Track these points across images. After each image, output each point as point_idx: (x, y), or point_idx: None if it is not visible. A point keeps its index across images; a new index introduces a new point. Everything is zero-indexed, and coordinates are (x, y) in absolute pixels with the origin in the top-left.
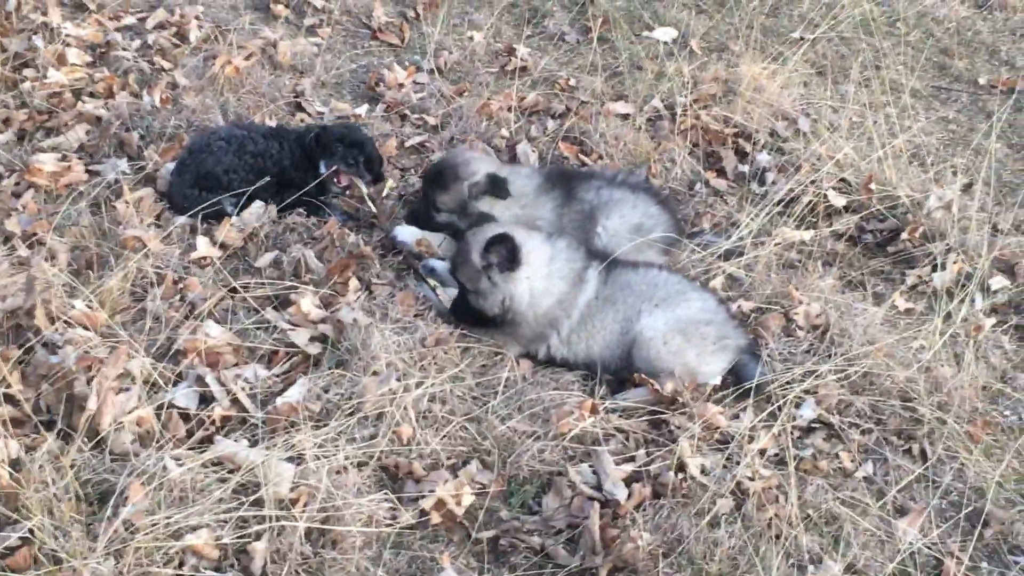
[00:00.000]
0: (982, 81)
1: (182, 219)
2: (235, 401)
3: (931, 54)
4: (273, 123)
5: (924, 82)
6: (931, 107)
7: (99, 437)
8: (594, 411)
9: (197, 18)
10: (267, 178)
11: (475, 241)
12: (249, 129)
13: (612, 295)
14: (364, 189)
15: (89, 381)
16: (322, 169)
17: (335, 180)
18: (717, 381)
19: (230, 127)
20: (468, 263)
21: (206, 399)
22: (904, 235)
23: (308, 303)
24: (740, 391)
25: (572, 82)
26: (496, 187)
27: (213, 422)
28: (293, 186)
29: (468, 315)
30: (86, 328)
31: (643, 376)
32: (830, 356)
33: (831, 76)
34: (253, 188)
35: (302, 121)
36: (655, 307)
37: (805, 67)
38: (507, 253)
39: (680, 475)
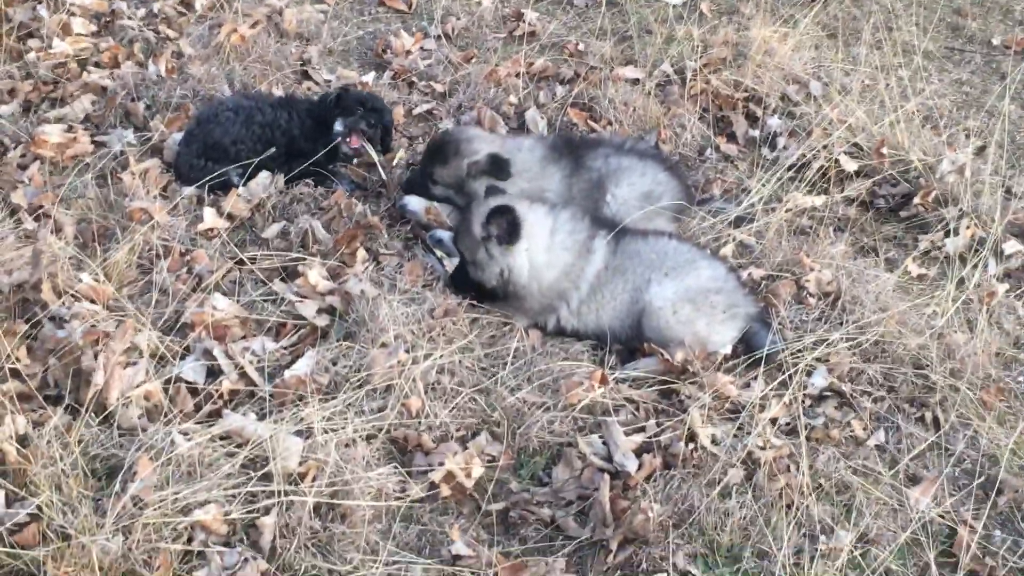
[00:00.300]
0: (996, 42)
1: (189, 190)
2: (243, 374)
3: (944, 14)
4: (281, 92)
5: (937, 43)
6: (944, 69)
7: (107, 412)
8: (604, 381)
9: None
10: (274, 149)
11: (477, 212)
12: (257, 99)
13: (621, 265)
14: (375, 156)
15: (96, 356)
16: (338, 126)
17: (347, 140)
18: (728, 350)
19: (238, 97)
20: (468, 233)
21: (214, 372)
22: (917, 200)
23: (316, 275)
24: (751, 360)
25: (581, 47)
26: (497, 168)
27: (221, 396)
28: (302, 156)
29: (466, 285)
30: (93, 302)
31: (653, 346)
32: (842, 324)
33: (842, 38)
34: (260, 159)
35: (309, 89)
36: (665, 276)
37: (816, 30)
38: (507, 225)
39: (690, 445)
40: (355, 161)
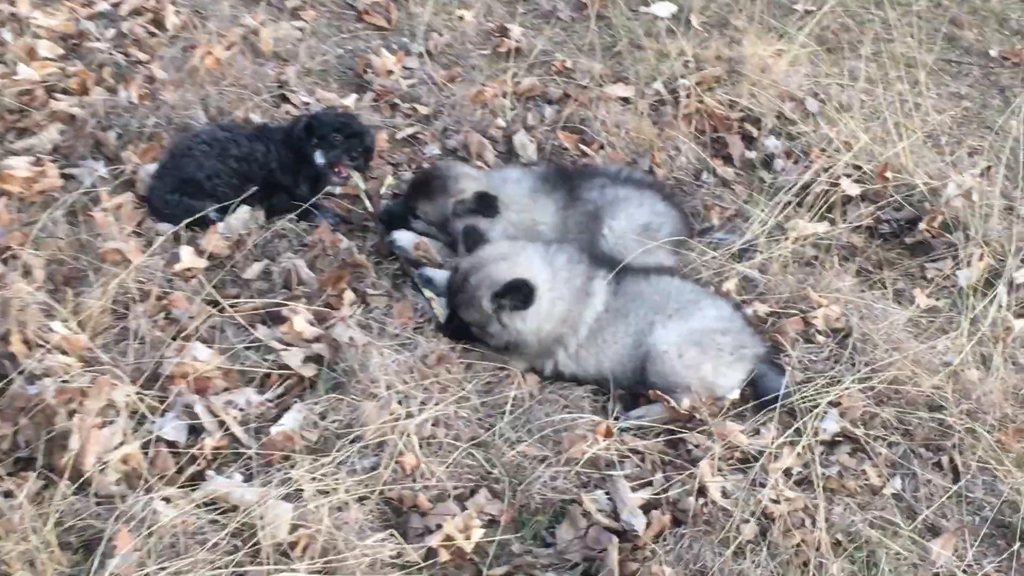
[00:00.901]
0: (993, 53)
1: (165, 227)
2: (227, 431)
3: (939, 24)
4: (257, 119)
5: (934, 55)
6: (942, 82)
7: (83, 478)
8: (608, 434)
9: (174, 2)
10: (253, 184)
11: (483, 283)
12: (232, 130)
13: (623, 307)
14: (362, 185)
15: (71, 415)
16: (319, 158)
17: (336, 170)
18: (736, 395)
19: (213, 129)
20: (474, 305)
21: (196, 429)
22: (922, 225)
23: (301, 321)
24: (760, 405)
25: (569, 64)
26: (484, 206)
27: (204, 456)
28: (281, 189)
29: (464, 337)
30: (65, 353)
31: (658, 393)
32: (853, 364)
33: (838, 52)
34: (240, 198)
35: (287, 114)
36: (668, 318)
37: (810, 42)
38: (523, 297)
39: (701, 500)
40: (338, 191)
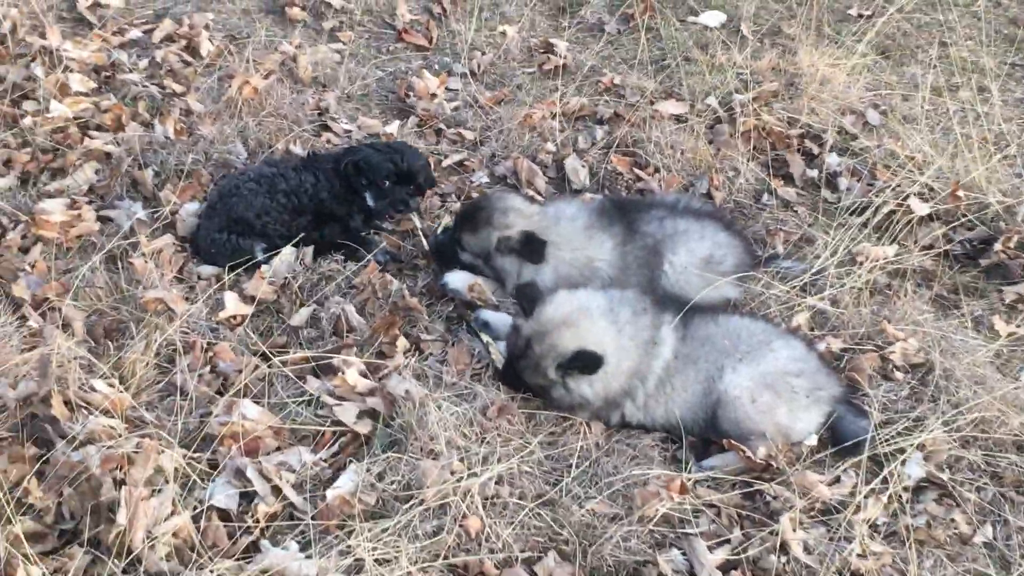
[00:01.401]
0: None
1: (208, 270)
2: (281, 495)
3: (999, 25)
4: (299, 151)
5: (996, 58)
6: (1006, 87)
7: (132, 555)
8: (683, 491)
9: (207, 27)
10: (304, 217)
11: (549, 353)
12: (279, 165)
13: (692, 353)
14: (418, 224)
15: (117, 484)
16: (370, 202)
17: (388, 217)
18: (814, 440)
19: (259, 166)
20: (539, 372)
21: (248, 494)
22: (997, 246)
23: (354, 373)
24: (840, 450)
25: (617, 80)
26: (530, 249)
27: (257, 522)
28: (333, 219)
29: (524, 387)
30: (108, 414)
31: (732, 442)
32: (935, 402)
33: (896, 58)
34: (290, 234)
35: (328, 142)
36: (739, 362)
37: (866, 48)
38: (590, 368)
39: (783, 558)
40: (390, 228)
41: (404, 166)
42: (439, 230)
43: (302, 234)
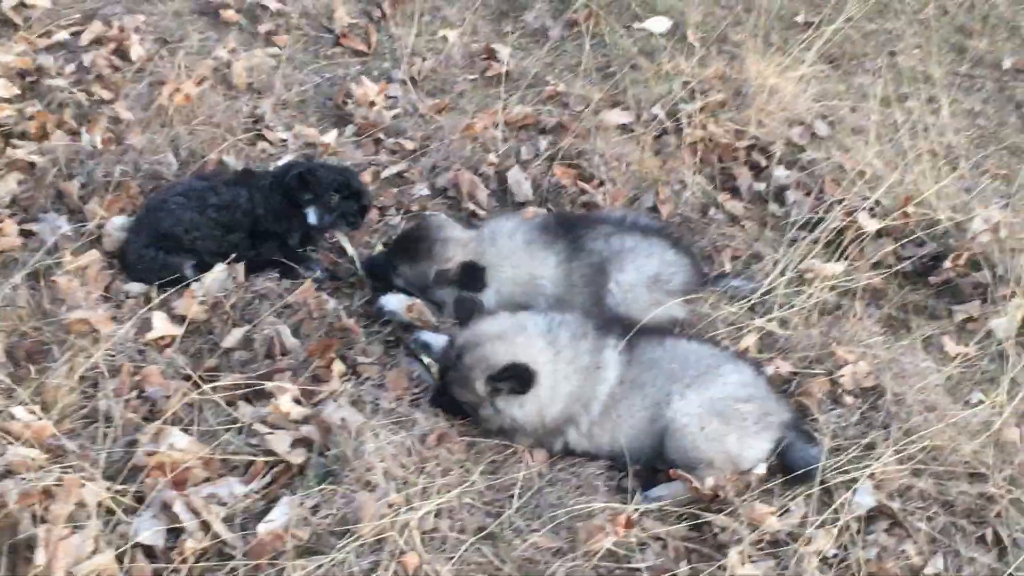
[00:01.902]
0: (1007, 64)
1: (136, 288)
2: (209, 529)
3: (947, 34)
4: (231, 161)
5: (944, 68)
6: (954, 98)
7: None
8: (629, 525)
9: (137, 30)
10: (237, 234)
11: (478, 364)
12: (211, 179)
13: (638, 378)
14: (352, 252)
15: (36, 520)
16: (312, 219)
17: (326, 235)
18: (763, 469)
19: (190, 179)
20: (467, 385)
21: (176, 529)
22: (947, 263)
23: (288, 400)
24: (790, 479)
25: (562, 88)
26: (470, 279)
27: (185, 560)
28: (271, 237)
29: (457, 412)
30: (28, 444)
31: (679, 472)
32: (886, 428)
33: (843, 66)
34: (221, 251)
35: (263, 152)
36: (687, 388)
37: (814, 57)
38: (521, 383)
39: None
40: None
41: (351, 184)
42: (374, 251)
43: (235, 252)
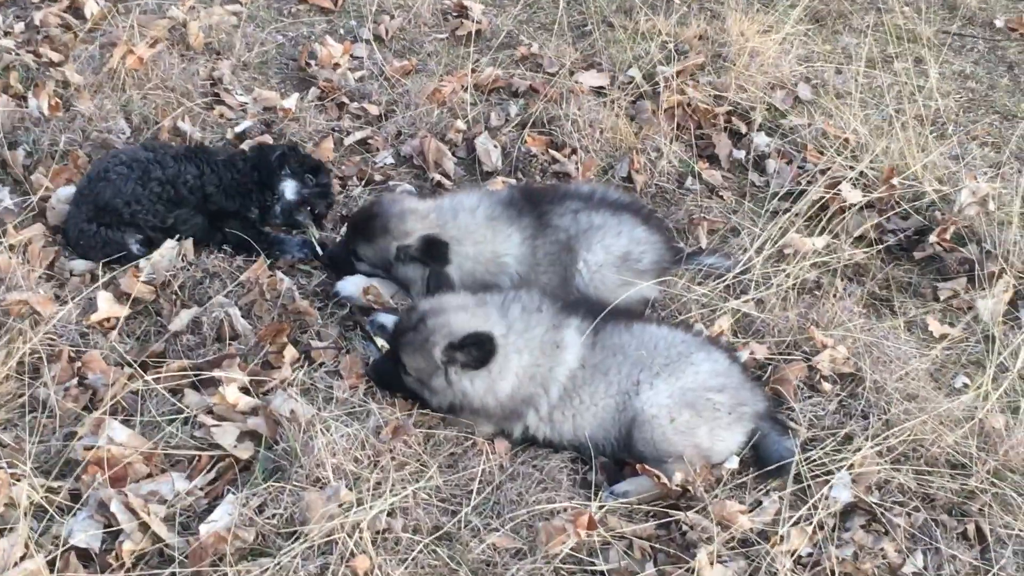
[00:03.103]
0: (999, 23)
1: (81, 265)
2: (148, 530)
3: None
4: (187, 127)
5: (933, 27)
6: (944, 59)
7: None
8: (592, 526)
9: None
10: (182, 210)
11: (440, 329)
12: (156, 150)
13: (602, 363)
14: (315, 234)
15: None
16: (289, 193)
17: (307, 208)
18: (735, 464)
19: (135, 148)
20: (422, 352)
21: (112, 526)
22: (932, 237)
23: (234, 391)
24: (763, 473)
25: (535, 48)
26: (432, 254)
27: (122, 564)
28: (228, 216)
29: (392, 386)
30: None
31: (646, 467)
32: (865, 417)
33: (828, 25)
34: (170, 225)
35: (221, 116)
36: (656, 376)
37: (800, 14)
38: (482, 355)
39: None
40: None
41: (324, 174)
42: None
43: (186, 229)
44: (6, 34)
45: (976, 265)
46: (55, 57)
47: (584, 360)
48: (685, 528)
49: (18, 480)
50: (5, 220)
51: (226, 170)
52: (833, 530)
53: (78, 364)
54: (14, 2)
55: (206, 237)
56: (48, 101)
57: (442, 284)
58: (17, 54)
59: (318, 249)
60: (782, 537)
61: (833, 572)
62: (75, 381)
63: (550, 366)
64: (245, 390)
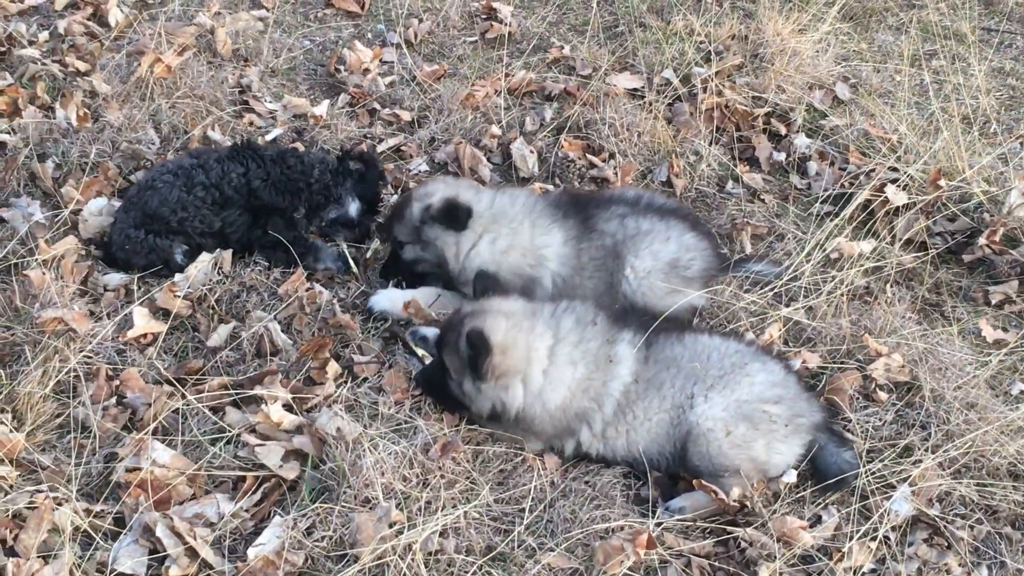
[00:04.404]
0: None
1: (115, 279)
2: (195, 555)
3: None
4: (217, 136)
5: (971, 23)
6: (983, 56)
7: None
8: (651, 545)
9: None
10: (233, 210)
11: (457, 326)
12: (200, 156)
13: (656, 377)
14: (346, 250)
15: (5, 550)
16: (352, 212)
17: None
18: (792, 478)
19: (180, 157)
20: (457, 352)
21: (158, 551)
22: (982, 240)
23: (278, 409)
24: (821, 487)
25: (567, 50)
26: (449, 214)
27: None
28: (274, 212)
29: (437, 394)
30: None
31: (703, 482)
32: (924, 428)
33: (863, 23)
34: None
35: (251, 124)
36: (711, 389)
37: (835, 14)
38: (475, 349)
39: None
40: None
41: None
42: (368, 255)
43: (232, 231)
44: (31, 43)
45: None
46: (81, 66)
47: (637, 374)
48: (744, 545)
49: (60, 504)
50: (36, 234)
51: (274, 165)
52: (896, 544)
53: (116, 382)
54: (36, 10)
55: (251, 237)
56: (76, 112)
57: (489, 286)
58: (43, 64)
59: (351, 263)
60: (844, 553)
61: None
62: (113, 400)
63: (604, 380)
64: (288, 407)
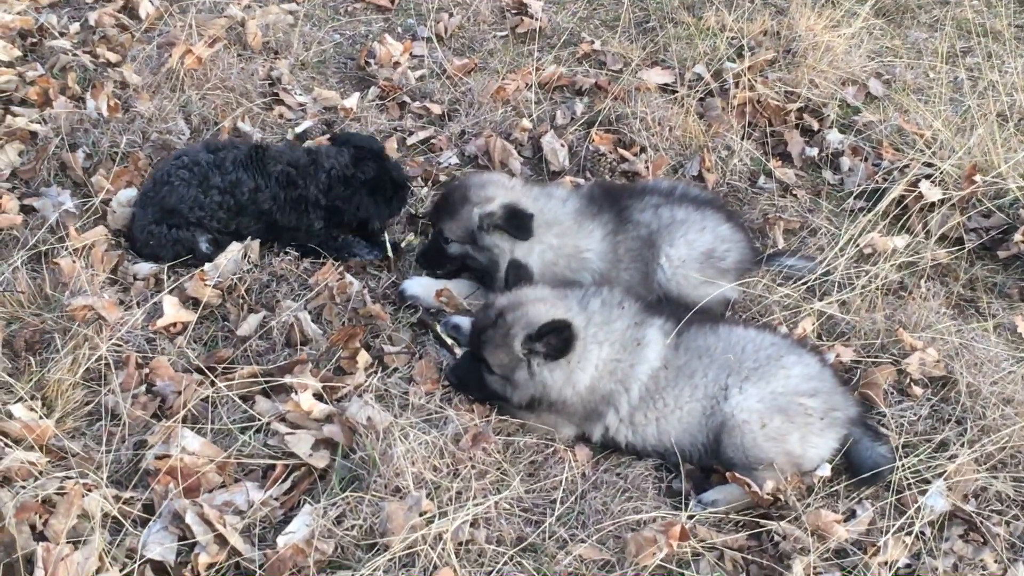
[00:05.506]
0: None
1: (145, 268)
2: (225, 542)
3: None
4: (247, 128)
5: (1006, 20)
6: (1018, 53)
7: None
8: (683, 537)
9: None
10: (244, 219)
11: (518, 323)
12: (219, 152)
13: (687, 365)
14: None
15: (35, 535)
16: (371, 217)
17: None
18: (827, 472)
19: (197, 149)
20: (504, 346)
21: (187, 538)
22: (1017, 236)
23: (308, 398)
24: (856, 481)
25: (597, 45)
26: (515, 223)
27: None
28: (288, 231)
29: (473, 388)
30: (28, 447)
31: (736, 475)
32: (959, 423)
33: (895, 19)
34: (235, 230)
35: (281, 117)
36: (745, 380)
37: (867, 10)
38: (561, 343)
39: None
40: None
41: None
42: (403, 244)
43: (251, 235)
44: (61, 34)
45: None
46: (112, 57)
47: (667, 361)
48: (777, 538)
49: (90, 491)
50: (67, 223)
51: (280, 188)
52: (932, 539)
53: (145, 371)
54: (67, 2)
55: (272, 239)
56: (107, 102)
57: (521, 277)
58: (74, 55)
59: (389, 249)
60: (879, 548)
61: None
62: (143, 388)
63: (631, 363)
64: (318, 396)
